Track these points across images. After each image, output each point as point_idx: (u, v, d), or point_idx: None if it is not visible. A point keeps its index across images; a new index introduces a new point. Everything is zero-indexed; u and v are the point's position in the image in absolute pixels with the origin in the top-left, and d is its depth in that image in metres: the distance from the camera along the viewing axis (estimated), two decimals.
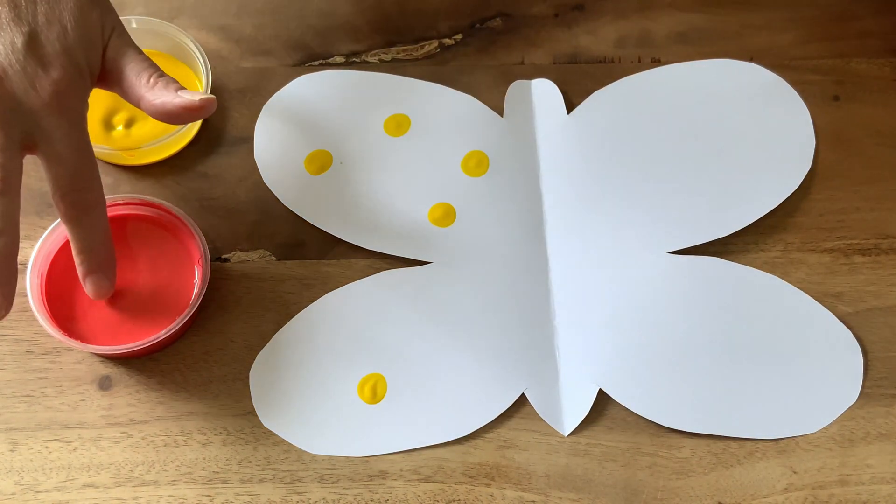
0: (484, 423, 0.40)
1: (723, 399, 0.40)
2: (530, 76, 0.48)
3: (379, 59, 0.48)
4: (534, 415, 0.40)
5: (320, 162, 0.45)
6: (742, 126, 0.46)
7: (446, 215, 0.44)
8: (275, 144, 0.46)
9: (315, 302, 0.42)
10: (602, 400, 0.40)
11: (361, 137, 0.46)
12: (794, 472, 0.39)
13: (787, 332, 0.41)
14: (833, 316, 0.42)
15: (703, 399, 0.40)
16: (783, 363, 0.41)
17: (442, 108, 0.47)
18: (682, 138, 0.45)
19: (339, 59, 0.48)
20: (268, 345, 0.41)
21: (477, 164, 0.45)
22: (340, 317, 0.42)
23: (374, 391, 0.40)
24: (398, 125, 0.46)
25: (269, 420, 0.40)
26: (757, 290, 0.42)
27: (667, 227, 0.43)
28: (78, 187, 0.37)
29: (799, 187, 0.44)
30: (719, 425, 0.40)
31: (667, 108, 0.46)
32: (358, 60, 0.48)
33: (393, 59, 0.48)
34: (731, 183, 0.44)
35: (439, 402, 0.40)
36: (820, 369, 0.41)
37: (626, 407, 0.40)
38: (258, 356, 0.41)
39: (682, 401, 0.40)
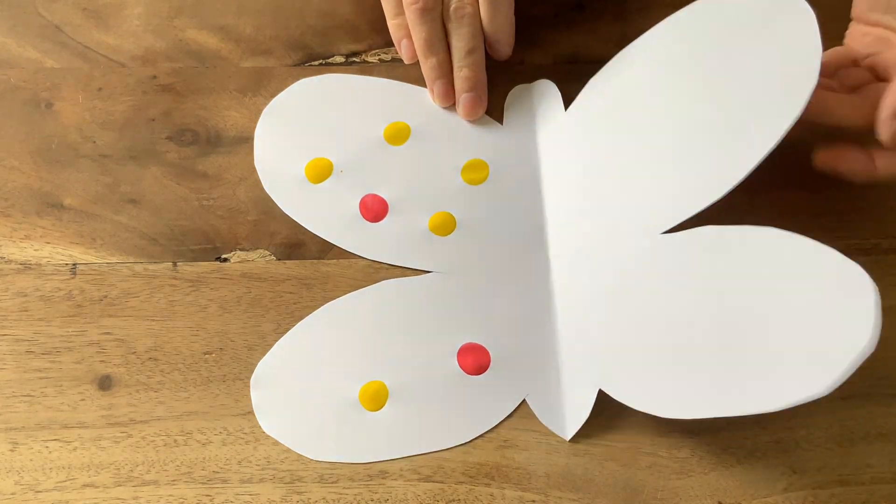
0: (484, 430, 0.40)
1: (729, 375, 0.37)
2: (530, 76, 0.48)
3: (379, 59, 0.49)
4: (534, 415, 0.40)
5: (321, 170, 0.45)
6: (739, 56, 0.41)
7: (446, 224, 0.44)
8: (275, 151, 0.46)
9: (317, 310, 0.42)
10: (602, 400, 0.40)
11: (362, 146, 0.46)
12: (794, 472, 0.39)
13: (790, 285, 0.37)
14: (838, 253, 0.36)
15: (708, 381, 0.37)
16: (789, 321, 0.36)
17: (441, 116, 0.47)
18: (676, 96, 0.43)
19: (339, 59, 0.48)
20: (269, 352, 0.41)
21: (477, 172, 0.45)
22: (342, 325, 0.42)
23: (376, 399, 0.40)
24: (398, 134, 0.46)
25: (271, 427, 0.40)
26: (754, 247, 0.38)
27: (660, 204, 0.41)
28: (462, 4, 0.45)
29: (799, 187, 0.44)
30: (727, 406, 0.37)
31: (659, 67, 0.44)
32: (358, 60, 0.49)
33: (393, 59, 0.48)
34: (727, 126, 0.40)
35: (440, 409, 0.40)
36: (828, 318, 0.36)
37: (628, 405, 0.39)
38: (259, 363, 0.41)
39: (685, 387, 0.38)
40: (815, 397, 0.34)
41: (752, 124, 0.39)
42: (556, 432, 0.40)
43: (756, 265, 0.38)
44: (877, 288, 0.34)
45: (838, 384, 0.33)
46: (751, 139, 0.39)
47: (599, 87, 0.46)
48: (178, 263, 0.43)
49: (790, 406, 0.35)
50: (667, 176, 0.41)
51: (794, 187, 0.44)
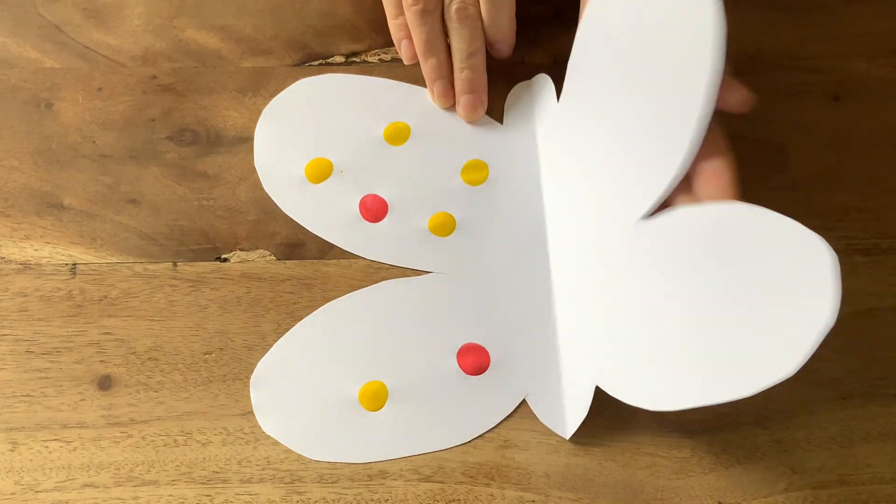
0: (484, 430, 0.40)
1: (707, 362, 0.36)
2: (530, 76, 0.48)
3: (379, 59, 0.49)
4: (534, 415, 0.40)
5: (321, 170, 0.45)
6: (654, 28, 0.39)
7: (446, 225, 0.44)
8: (275, 151, 0.46)
9: (317, 310, 0.42)
10: (602, 400, 0.40)
11: (362, 146, 0.46)
12: (794, 472, 0.39)
13: (756, 262, 0.35)
14: (798, 224, 0.34)
15: (689, 369, 0.36)
16: (758, 300, 0.35)
17: (441, 116, 0.47)
18: (621, 77, 0.41)
19: (339, 58, 0.48)
20: (269, 352, 0.41)
21: (477, 172, 0.45)
22: (342, 325, 0.42)
23: (376, 399, 0.40)
24: (398, 134, 0.46)
25: (271, 427, 0.40)
26: (719, 224, 0.37)
27: (630, 189, 0.39)
28: (464, 5, 0.46)
29: (799, 187, 0.44)
30: (707, 394, 0.35)
31: (604, 47, 0.42)
32: (358, 60, 0.49)
33: (393, 59, 0.48)
34: (660, 100, 0.38)
35: (440, 409, 0.40)
36: (791, 295, 0.34)
37: (621, 401, 0.38)
38: (259, 363, 0.41)
39: (670, 378, 0.37)
40: (784, 379, 0.33)
41: (676, 88, 0.37)
42: (555, 432, 0.40)
43: (723, 243, 0.36)
44: (836, 257, 0.32)
45: (804, 363, 0.32)
46: (680, 105, 0.37)
47: (575, 73, 0.44)
48: (178, 263, 0.43)
49: (763, 390, 0.33)
50: (630, 160, 0.40)
51: (791, 188, 0.44)
